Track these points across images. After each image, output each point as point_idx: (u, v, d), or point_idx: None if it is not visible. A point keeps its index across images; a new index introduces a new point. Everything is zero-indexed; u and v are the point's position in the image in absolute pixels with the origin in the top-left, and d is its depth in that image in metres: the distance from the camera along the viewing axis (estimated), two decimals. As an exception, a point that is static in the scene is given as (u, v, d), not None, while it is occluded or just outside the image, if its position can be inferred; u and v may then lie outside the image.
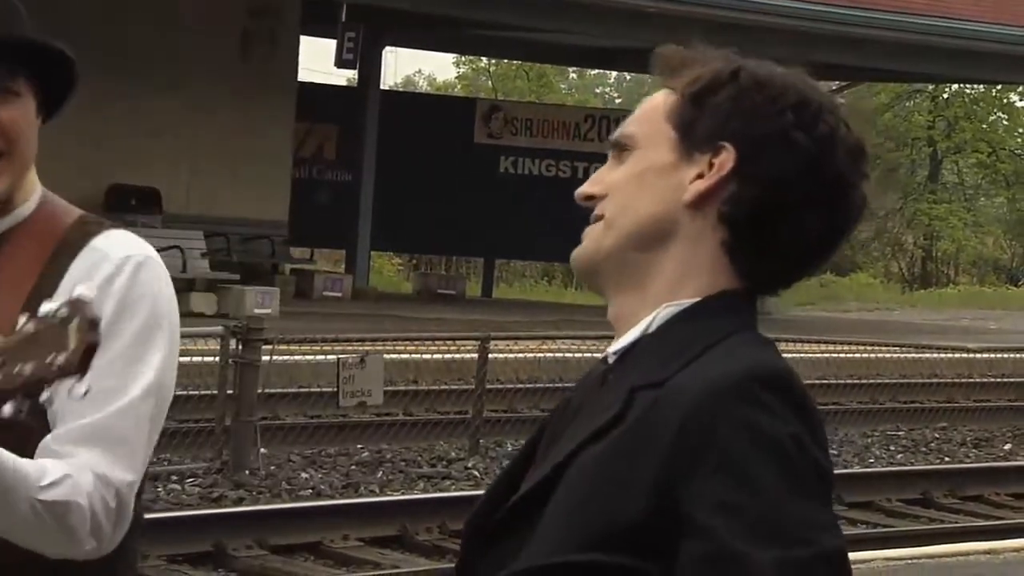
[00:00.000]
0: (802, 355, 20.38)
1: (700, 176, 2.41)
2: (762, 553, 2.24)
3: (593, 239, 2.49)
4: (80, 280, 3.04)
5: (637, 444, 2.33)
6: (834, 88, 41.43)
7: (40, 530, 2.97)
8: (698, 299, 2.42)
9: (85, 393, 2.83)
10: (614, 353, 2.49)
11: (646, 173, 2.45)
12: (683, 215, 2.42)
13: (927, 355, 24.08)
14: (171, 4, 24.80)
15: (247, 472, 14.35)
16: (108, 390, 3.01)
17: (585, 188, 2.52)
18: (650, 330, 2.43)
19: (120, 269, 3.10)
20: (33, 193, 3.29)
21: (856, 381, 21.55)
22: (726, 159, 2.40)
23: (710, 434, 2.28)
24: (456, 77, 55.58)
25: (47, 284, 3.12)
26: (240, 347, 14.73)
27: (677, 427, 2.29)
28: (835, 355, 22.01)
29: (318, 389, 16.62)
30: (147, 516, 10.83)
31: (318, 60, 29.45)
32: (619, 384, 2.43)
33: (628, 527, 2.29)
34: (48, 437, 3.01)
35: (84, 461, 3.00)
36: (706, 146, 2.42)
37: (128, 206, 24.45)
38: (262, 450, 14.81)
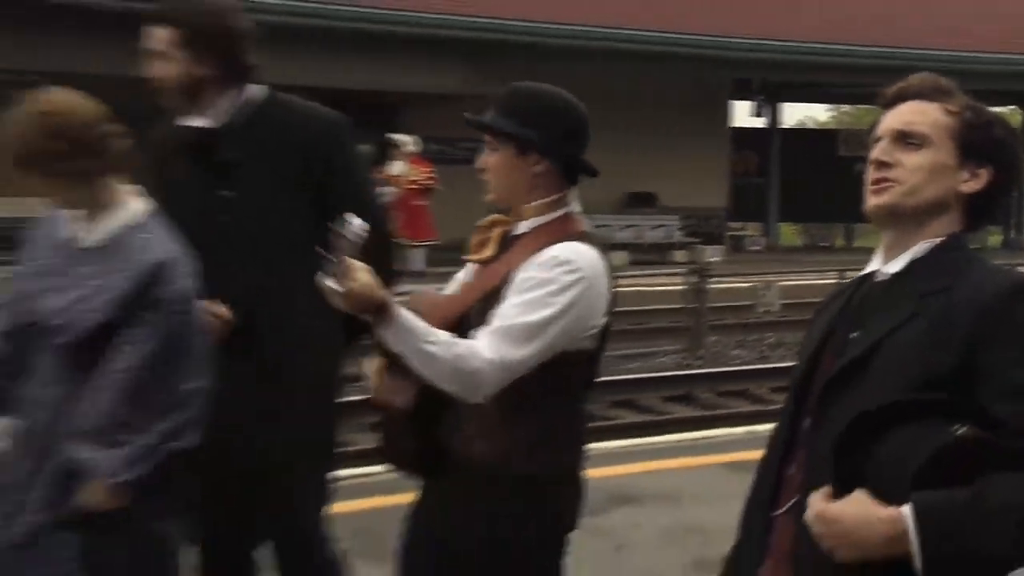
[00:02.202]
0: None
1: (968, 178, 2.36)
2: None
3: (894, 195, 2.33)
4: (523, 271, 2.87)
5: (944, 326, 2.21)
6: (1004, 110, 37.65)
7: (423, 368, 2.75)
8: (944, 238, 2.34)
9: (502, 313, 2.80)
10: (887, 272, 2.37)
11: (938, 167, 2.33)
12: (952, 197, 2.35)
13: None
14: (661, 91, 24.41)
15: (704, 351, 14.46)
16: (512, 315, 2.79)
17: (883, 156, 2.36)
18: (917, 257, 2.33)
19: (545, 263, 2.84)
20: (541, 215, 2.97)
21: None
22: (987, 174, 2.36)
23: (1002, 318, 2.19)
24: (830, 118, 54.03)
25: (511, 277, 2.89)
26: (699, 279, 14.85)
27: (976, 315, 2.19)
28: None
29: (745, 303, 16.43)
30: (646, 376, 11.56)
31: (743, 112, 29.16)
32: (904, 292, 2.30)
33: (942, 376, 2.17)
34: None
35: (476, 339, 2.80)
36: (974, 161, 2.35)
37: (636, 204, 24.14)
38: (712, 338, 14.90)
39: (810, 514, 2.13)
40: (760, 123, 29.43)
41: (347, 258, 2.66)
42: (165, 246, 3.20)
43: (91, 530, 3.14)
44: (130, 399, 3.10)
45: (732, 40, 22.59)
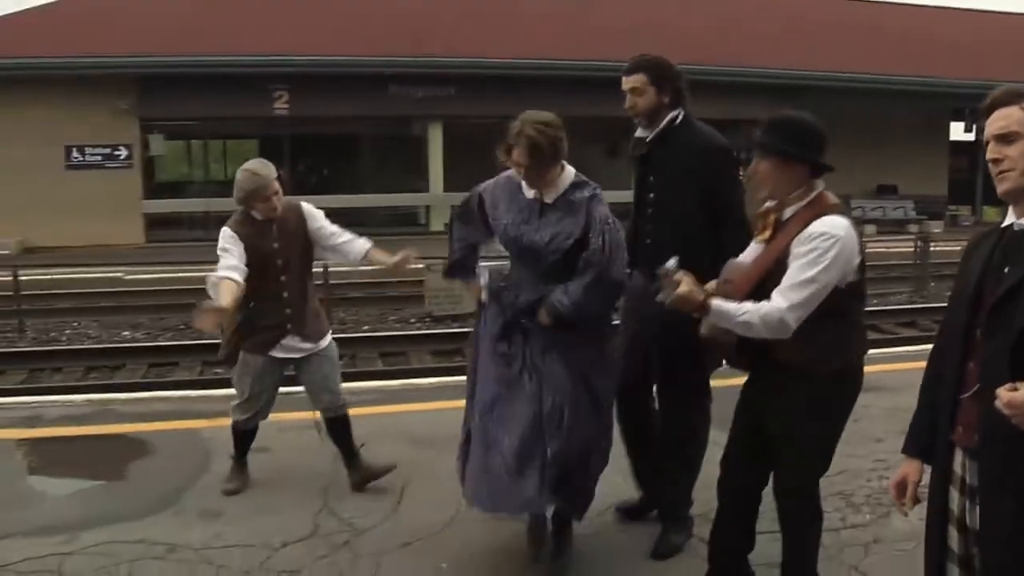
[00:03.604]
0: None
1: None
2: None
3: (1012, 180, 2.09)
4: (796, 246, 2.71)
5: None
6: None
7: (744, 332, 2.70)
8: None
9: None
10: (1021, 224, 2.13)
11: None
12: None
13: None
14: (902, 117, 22.83)
15: (926, 292, 13.46)
16: (794, 276, 2.69)
17: (993, 155, 2.12)
18: None
19: (811, 238, 2.69)
20: (800, 201, 2.77)
21: None
22: None
23: None
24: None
25: (789, 250, 2.73)
26: (925, 244, 14.04)
27: None
28: None
29: (957, 260, 11.80)
30: (884, 308, 10.86)
31: (958, 129, 27.07)
32: None
33: None
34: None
35: (770, 301, 2.67)
36: None
37: (883, 193, 22.89)
38: (932, 284, 13.76)
39: (1000, 402, 1.96)
40: (971, 137, 27.59)
41: (674, 278, 2.66)
42: (590, 188, 3.23)
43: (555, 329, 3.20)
44: (594, 279, 3.16)
45: (950, 80, 21.89)
